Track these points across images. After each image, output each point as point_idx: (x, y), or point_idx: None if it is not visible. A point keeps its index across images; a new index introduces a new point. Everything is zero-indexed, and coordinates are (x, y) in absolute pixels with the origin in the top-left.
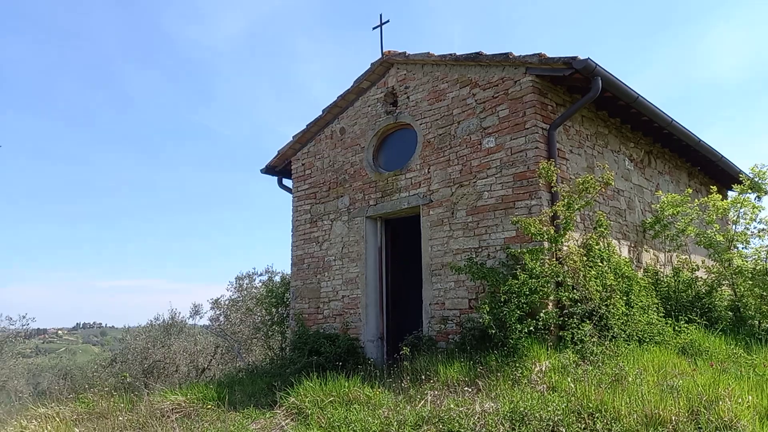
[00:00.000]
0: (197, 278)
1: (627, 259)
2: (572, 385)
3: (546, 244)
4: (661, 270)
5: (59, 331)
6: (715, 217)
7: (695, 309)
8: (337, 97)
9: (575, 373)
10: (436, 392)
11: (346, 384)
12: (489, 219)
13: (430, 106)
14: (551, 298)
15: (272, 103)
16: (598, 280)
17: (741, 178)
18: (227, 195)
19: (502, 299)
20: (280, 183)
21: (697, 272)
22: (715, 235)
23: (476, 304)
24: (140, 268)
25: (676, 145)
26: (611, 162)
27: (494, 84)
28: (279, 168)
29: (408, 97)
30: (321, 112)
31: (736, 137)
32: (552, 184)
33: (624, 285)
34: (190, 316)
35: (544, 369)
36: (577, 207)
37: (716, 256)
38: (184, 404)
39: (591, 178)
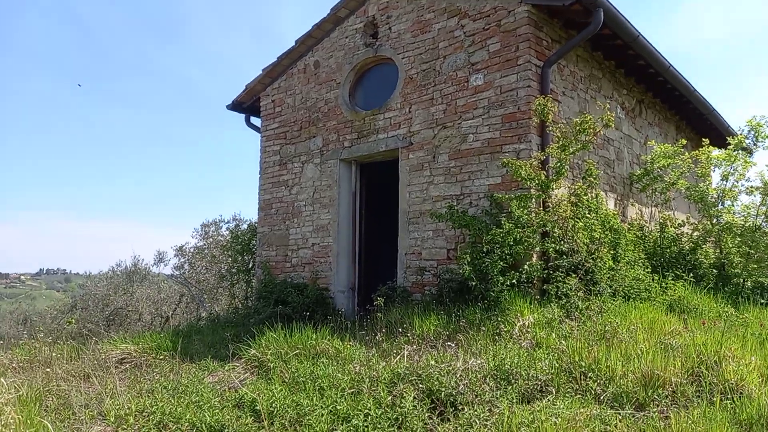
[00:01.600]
0: (166, 224)
1: (614, 212)
2: (560, 342)
3: (533, 191)
4: (646, 225)
5: (22, 276)
6: (708, 170)
7: (679, 266)
8: (312, 27)
9: (560, 328)
10: (413, 347)
11: (314, 336)
12: (473, 164)
13: (414, 38)
14: (537, 249)
15: (248, 49)
16: (585, 232)
17: (735, 130)
18: (195, 138)
19: (485, 249)
20: (247, 121)
21: (682, 228)
22: (707, 188)
23: (455, 254)
24: (108, 211)
25: (668, 95)
26: (602, 108)
27: (486, 14)
28: (247, 104)
29: (390, 28)
30: (294, 43)
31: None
32: (548, 124)
33: (611, 238)
34: (154, 264)
35: (527, 324)
36: (572, 150)
37: (705, 211)
38: (135, 354)
39: (589, 119)
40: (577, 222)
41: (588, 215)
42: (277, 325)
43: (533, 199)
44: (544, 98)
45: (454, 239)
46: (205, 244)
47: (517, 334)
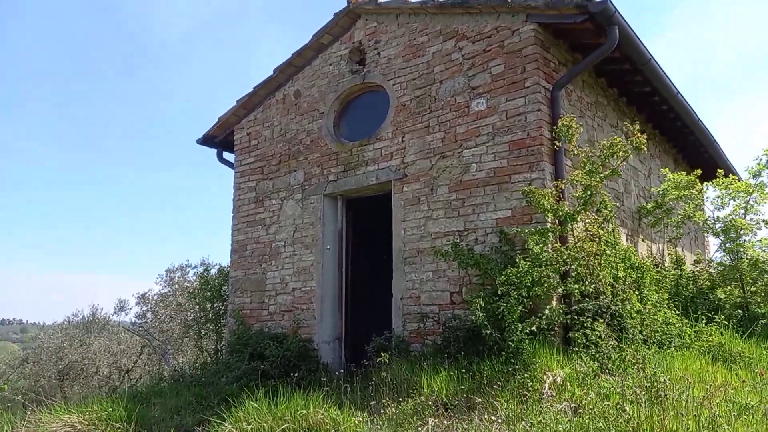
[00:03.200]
0: (129, 272)
1: (631, 248)
2: (603, 403)
3: (549, 225)
4: (660, 262)
5: None
6: (731, 201)
7: (701, 306)
8: (292, 55)
9: (598, 385)
10: (435, 419)
11: (303, 403)
12: (477, 196)
13: (406, 63)
14: (558, 291)
15: (221, 87)
16: (609, 271)
17: (732, 164)
18: (164, 178)
19: (498, 292)
20: (219, 156)
21: (699, 265)
22: (732, 220)
23: (460, 298)
24: (66, 262)
25: (669, 126)
26: (609, 137)
27: (486, 35)
28: (219, 138)
29: (378, 54)
30: (272, 72)
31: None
32: (570, 149)
33: (634, 277)
34: (115, 313)
35: (558, 380)
36: (602, 177)
37: (727, 245)
38: (80, 427)
39: (619, 141)
40: (600, 259)
41: (608, 252)
42: (255, 386)
43: (551, 234)
44: (569, 118)
45: (458, 281)
46: (170, 291)
47: (548, 393)
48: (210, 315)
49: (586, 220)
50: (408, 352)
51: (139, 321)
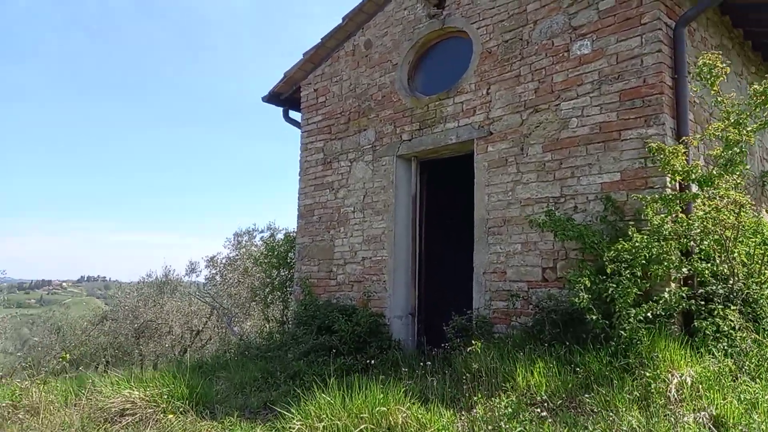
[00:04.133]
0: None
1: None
2: (752, 419)
3: (669, 191)
4: None
5: (64, 283)
6: None
7: None
8: (362, 1)
9: (739, 389)
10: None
11: (382, 398)
12: (578, 156)
13: (493, 2)
14: (683, 270)
15: (277, 60)
16: (743, 248)
17: None
18: (234, 151)
19: (608, 270)
20: (285, 115)
21: None
22: None
23: (555, 274)
24: (151, 221)
25: None
26: (734, 88)
27: None
28: (285, 96)
29: None
30: (341, 20)
31: None
32: (712, 94)
33: None
34: (186, 274)
35: (687, 381)
36: (751, 129)
37: None
38: (140, 403)
39: None
40: (737, 233)
41: (748, 224)
42: (323, 362)
43: (679, 202)
44: (713, 55)
45: (551, 255)
46: (237, 255)
47: (674, 397)
48: (276, 282)
49: (723, 185)
50: (491, 334)
51: (209, 284)
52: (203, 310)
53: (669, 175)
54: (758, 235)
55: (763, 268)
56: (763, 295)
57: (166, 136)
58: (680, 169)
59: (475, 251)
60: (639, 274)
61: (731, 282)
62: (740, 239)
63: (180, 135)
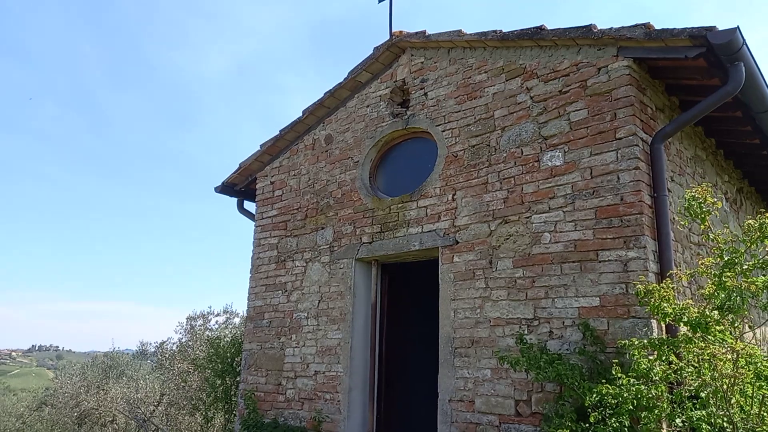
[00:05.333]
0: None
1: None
2: None
3: (654, 325)
4: None
5: (13, 353)
6: None
7: None
8: (324, 94)
9: None
10: None
11: None
12: (552, 275)
13: (459, 105)
14: (677, 422)
15: (257, 135)
16: (743, 396)
17: None
18: (207, 223)
19: (591, 418)
20: (240, 207)
21: None
22: None
23: (529, 409)
24: (109, 292)
25: (767, 183)
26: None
27: (562, 73)
28: (240, 187)
29: (425, 95)
30: (301, 114)
31: None
32: (702, 231)
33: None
34: (135, 357)
35: None
36: (746, 270)
37: None
38: None
39: None
40: (737, 381)
41: (748, 374)
42: None
43: (672, 347)
44: (702, 189)
45: (525, 386)
46: (190, 341)
47: None
48: (219, 392)
49: (719, 332)
50: None
51: (159, 366)
52: (151, 397)
53: (658, 319)
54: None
55: (761, 411)
56: None
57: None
58: (671, 312)
59: (440, 374)
60: (627, 423)
61: None
62: (738, 387)
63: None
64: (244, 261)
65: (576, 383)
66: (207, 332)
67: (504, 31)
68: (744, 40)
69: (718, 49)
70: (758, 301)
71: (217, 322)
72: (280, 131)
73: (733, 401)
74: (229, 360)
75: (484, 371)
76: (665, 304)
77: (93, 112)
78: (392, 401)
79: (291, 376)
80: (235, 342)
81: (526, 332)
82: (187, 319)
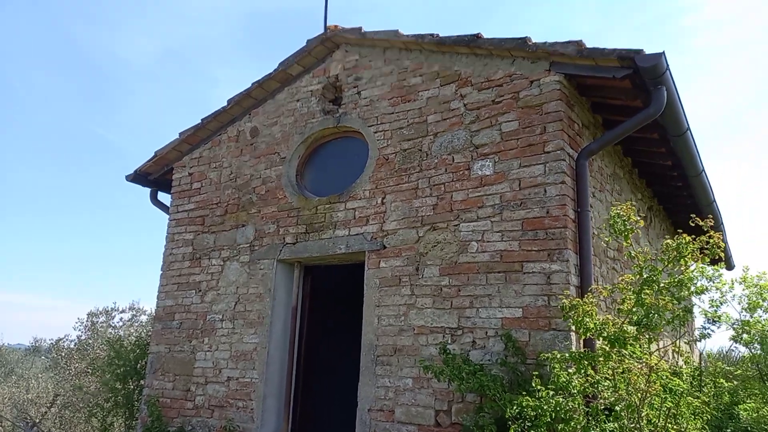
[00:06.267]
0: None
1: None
2: None
3: (573, 338)
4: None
5: None
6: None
7: (727, 428)
8: (252, 84)
9: None
10: None
11: None
12: (478, 285)
13: (393, 107)
14: None
15: (184, 125)
16: (653, 409)
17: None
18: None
19: (512, 429)
20: (153, 198)
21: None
22: None
23: (449, 419)
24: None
25: (675, 203)
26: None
27: (496, 83)
28: (155, 177)
29: (359, 93)
30: (226, 103)
31: None
32: (625, 247)
33: (670, 406)
34: (27, 354)
35: None
36: (664, 288)
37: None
38: None
39: (688, 241)
40: (644, 395)
41: (661, 389)
42: None
43: (591, 362)
44: (626, 206)
45: (446, 396)
46: (91, 339)
47: None
48: (120, 397)
49: (638, 348)
50: None
51: (51, 370)
52: (43, 398)
53: (579, 332)
54: (667, 393)
55: (666, 424)
56: None
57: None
58: (592, 327)
59: (360, 382)
60: None
61: None
62: (648, 400)
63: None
64: (155, 256)
65: (498, 395)
66: (110, 330)
67: (441, 35)
68: (668, 65)
69: (644, 72)
70: (672, 319)
71: (122, 319)
72: (202, 120)
73: (643, 414)
74: (133, 362)
75: (405, 380)
76: (587, 319)
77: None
78: (310, 410)
79: (201, 381)
80: (140, 343)
81: (449, 341)
82: (88, 315)
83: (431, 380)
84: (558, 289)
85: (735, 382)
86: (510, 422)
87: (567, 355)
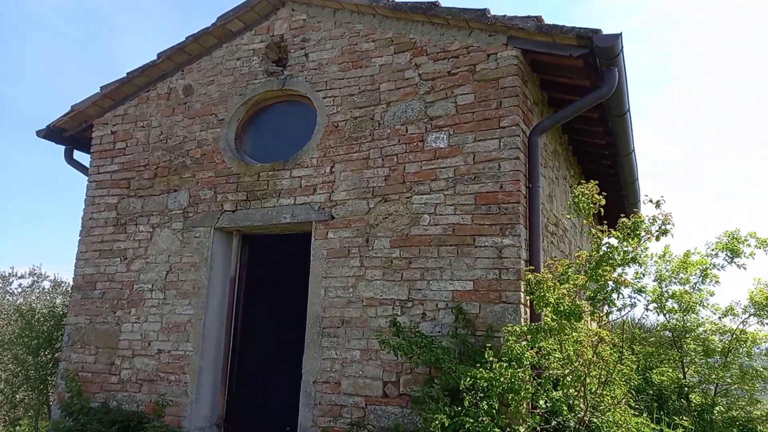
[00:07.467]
0: None
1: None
2: None
3: (522, 310)
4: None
5: None
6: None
7: (643, 392)
8: (186, 38)
9: None
10: None
11: None
12: (429, 257)
13: (343, 73)
14: (540, 403)
15: (83, 76)
16: (592, 376)
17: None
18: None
19: (465, 402)
20: (68, 156)
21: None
22: (688, 296)
23: (397, 390)
24: None
25: (602, 180)
26: (562, 192)
27: (453, 54)
28: (72, 134)
29: (306, 56)
30: (156, 57)
31: None
32: (589, 222)
33: (603, 373)
34: None
35: None
36: (618, 265)
37: (671, 323)
38: None
39: (642, 219)
40: (594, 367)
41: (608, 359)
42: None
43: (548, 335)
44: (591, 184)
45: (395, 367)
46: None
47: None
48: (31, 373)
49: (590, 321)
50: None
51: None
52: None
53: (539, 306)
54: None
55: (601, 390)
56: (607, 423)
57: None
58: (552, 301)
59: (305, 355)
60: (496, 406)
61: (577, 411)
62: (593, 372)
63: None
64: (62, 218)
65: (452, 367)
66: (8, 297)
67: (396, 0)
68: (623, 46)
69: (600, 52)
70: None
71: (20, 285)
72: (128, 74)
73: (587, 382)
74: (46, 334)
75: (353, 352)
76: (548, 294)
77: None
78: (250, 383)
79: (128, 354)
80: (55, 313)
81: (399, 313)
82: None
83: (379, 352)
84: (509, 263)
85: (650, 348)
86: (464, 393)
87: (527, 328)
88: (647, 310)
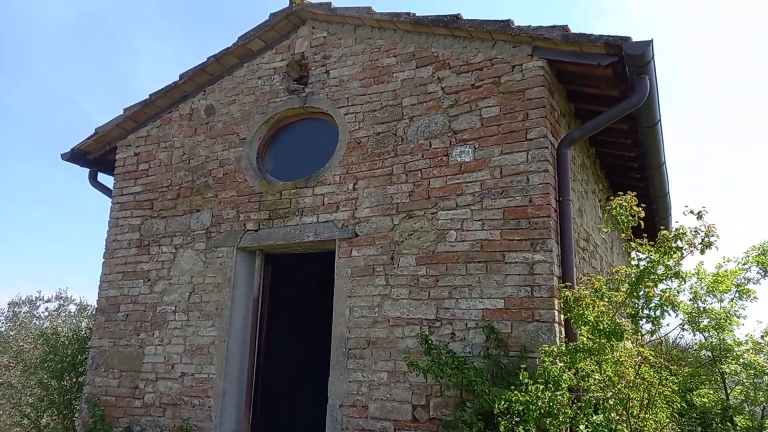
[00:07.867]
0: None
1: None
2: None
3: (557, 329)
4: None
5: None
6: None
7: (687, 414)
8: (208, 59)
9: None
10: None
11: None
12: (457, 275)
13: (365, 89)
14: (581, 428)
15: (101, 100)
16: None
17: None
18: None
19: (501, 427)
20: (93, 179)
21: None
22: (725, 314)
23: (427, 414)
24: None
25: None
26: (591, 207)
27: (476, 67)
28: (96, 156)
29: (327, 73)
30: (178, 78)
31: None
32: (628, 236)
33: (645, 396)
34: None
35: None
36: (656, 279)
37: (711, 342)
38: None
39: (685, 231)
40: (632, 389)
41: (661, 388)
42: None
43: (590, 356)
44: (629, 196)
45: (424, 390)
46: (13, 331)
47: None
48: (56, 396)
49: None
50: None
51: None
52: None
53: (577, 325)
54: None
55: (646, 415)
56: None
57: None
58: (592, 320)
59: (331, 377)
60: (533, 431)
61: None
62: (634, 395)
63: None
64: (88, 240)
65: (485, 389)
66: (35, 321)
67: (417, 15)
68: (654, 53)
69: (629, 60)
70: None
71: (47, 309)
72: (150, 96)
73: (630, 406)
74: (70, 358)
75: (380, 374)
76: (587, 312)
77: None
78: (275, 407)
79: (151, 378)
80: (78, 337)
81: (427, 333)
82: (9, 304)
83: (407, 374)
84: (542, 279)
85: (687, 369)
86: (499, 417)
87: (564, 348)
88: (683, 329)
